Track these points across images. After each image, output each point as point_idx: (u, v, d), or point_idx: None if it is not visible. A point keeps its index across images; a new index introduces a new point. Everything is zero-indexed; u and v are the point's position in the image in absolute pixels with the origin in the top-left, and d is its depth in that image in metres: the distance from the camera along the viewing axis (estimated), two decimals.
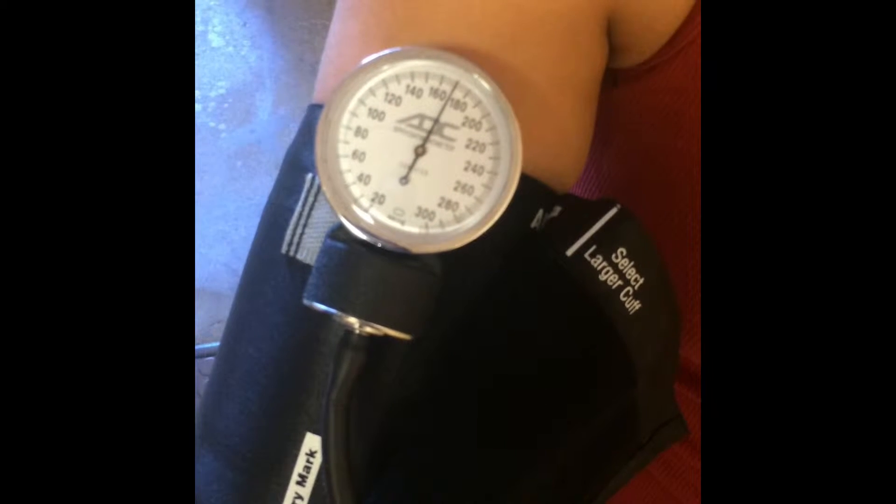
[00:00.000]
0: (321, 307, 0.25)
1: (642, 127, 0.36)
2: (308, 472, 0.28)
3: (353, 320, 0.25)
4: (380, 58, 0.25)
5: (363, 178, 0.25)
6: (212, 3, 1.52)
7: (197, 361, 1.20)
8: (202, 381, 1.18)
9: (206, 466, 0.30)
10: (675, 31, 0.31)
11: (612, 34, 0.31)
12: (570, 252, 0.28)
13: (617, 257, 0.28)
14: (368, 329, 0.25)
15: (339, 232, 0.26)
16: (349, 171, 0.25)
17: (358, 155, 0.25)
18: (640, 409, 0.31)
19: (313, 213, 0.28)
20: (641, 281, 0.29)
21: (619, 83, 0.36)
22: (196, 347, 1.21)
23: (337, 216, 0.25)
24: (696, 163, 0.35)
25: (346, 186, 0.25)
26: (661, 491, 0.45)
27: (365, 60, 0.25)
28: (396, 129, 0.26)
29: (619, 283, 0.28)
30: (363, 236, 0.25)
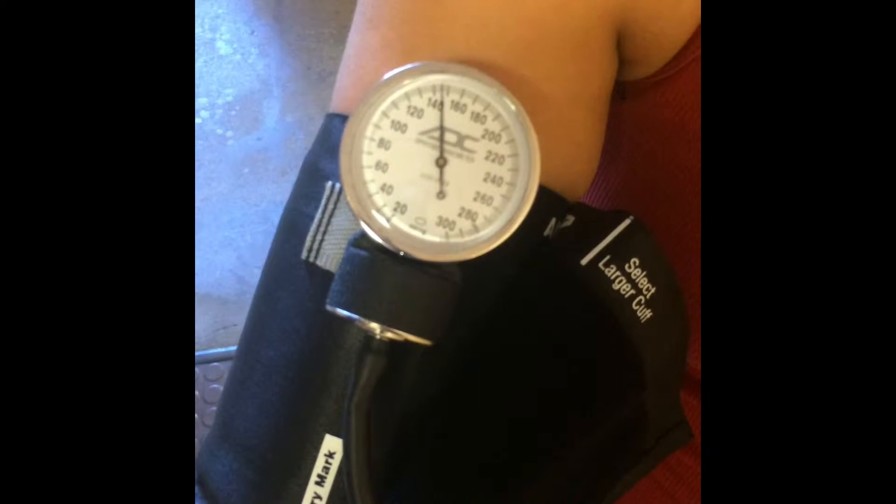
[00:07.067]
0: (344, 313, 0.26)
1: (648, 140, 0.37)
2: (327, 473, 0.28)
3: (374, 326, 0.26)
4: (403, 72, 0.26)
5: (386, 188, 0.26)
6: (220, 11, 1.53)
7: (203, 367, 1.19)
8: (207, 387, 1.18)
9: (226, 466, 0.30)
10: (681, 46, 0.32)
11: (621, 47, 0.32)
12: (584, 261, 0.29)
13: (630, 267, 0.29)
14: (389, 334, 0.26)
15: (361, 240, 0.27)
16: (372, 181, 0.26)
17: (381, 166, 0.26)
18: (647, 415, 0.32)
19: (333, 220, 0.29)
20: (653, 290, 0.29)
21: (627, 97, 0.37)
22: (202, 353, 1.21)
23: (360, 224, 0.26)
24: (700, 176, 0.35)
25: (370, 196, 0.26)
26: (664, 495, 0.45)
27: (388, 74, 0.26)
28: (418, 141, 0.26)
29: (632, 292, 0.29)
30: (385, 244, 0.26)
